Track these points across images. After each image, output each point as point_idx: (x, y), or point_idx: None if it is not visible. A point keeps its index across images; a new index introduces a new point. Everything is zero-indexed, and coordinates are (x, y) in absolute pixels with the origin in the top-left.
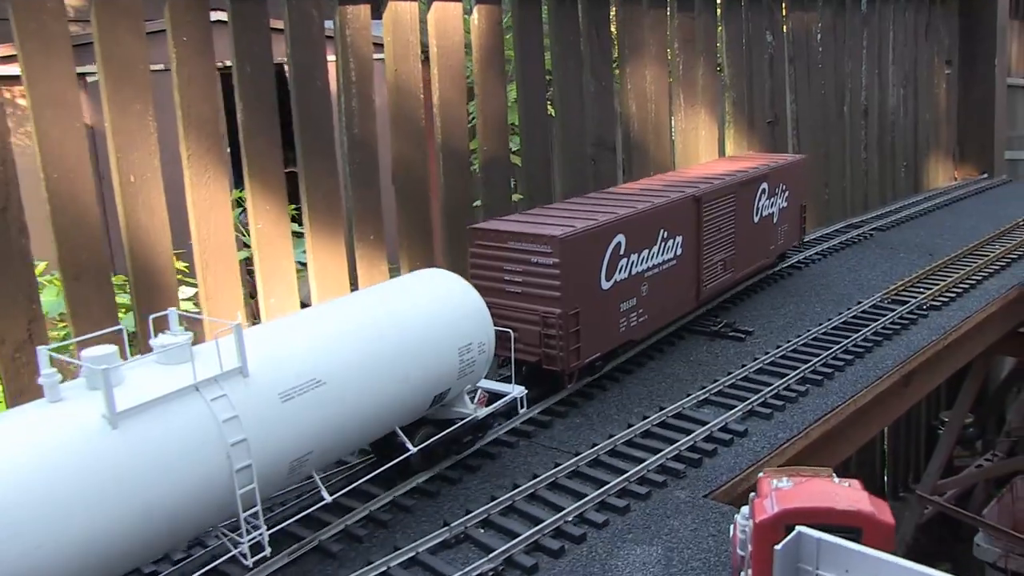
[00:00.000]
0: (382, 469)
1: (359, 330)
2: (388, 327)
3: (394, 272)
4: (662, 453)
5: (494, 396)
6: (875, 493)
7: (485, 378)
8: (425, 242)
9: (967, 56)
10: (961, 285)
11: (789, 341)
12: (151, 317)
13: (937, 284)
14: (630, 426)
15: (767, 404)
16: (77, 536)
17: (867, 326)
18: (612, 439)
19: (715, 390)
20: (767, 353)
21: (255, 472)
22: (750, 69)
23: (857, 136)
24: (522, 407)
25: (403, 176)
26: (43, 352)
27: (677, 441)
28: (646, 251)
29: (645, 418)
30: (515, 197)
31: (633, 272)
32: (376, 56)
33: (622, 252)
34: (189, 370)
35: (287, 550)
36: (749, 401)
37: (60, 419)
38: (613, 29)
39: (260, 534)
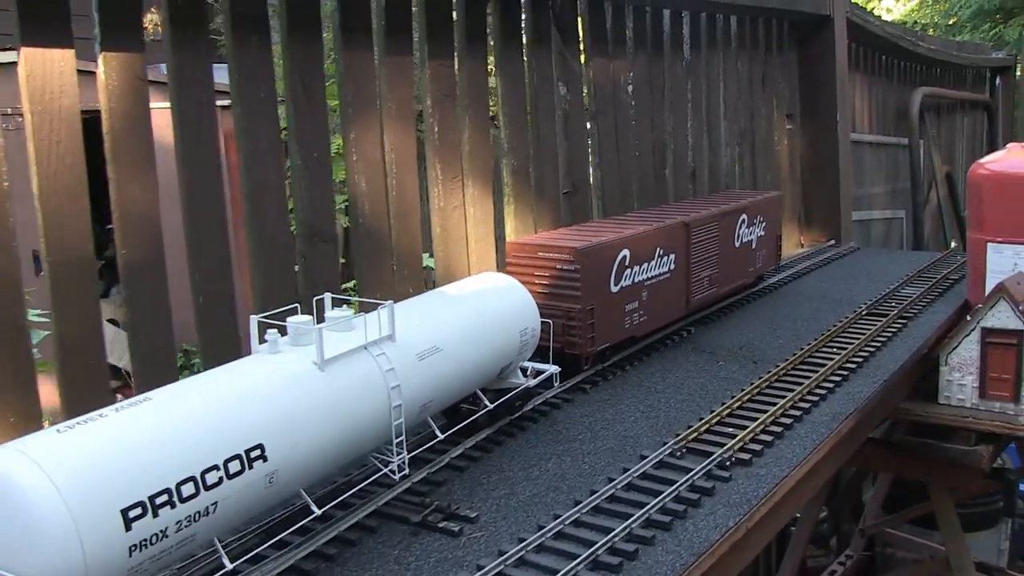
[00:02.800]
0: (464, 423)
1: (461, 310)
2: (478, 311)
3: None
4: None
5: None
6: None
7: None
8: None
9: (809, 110)
10: (783, 419)
11: (522, 540)
12: (315, 299)
13: (753, 417)
14: None
15: None
16: (308, 439)
17: (635, 512)
18: None
19: None
20: (479, 568)
21: (403, 410)
22: (537, 129)
23: None
24: (556, 382)
25: None
26: (254, 319)
27: None
28: (646, 264)
29: None
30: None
31: (635, 280)
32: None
33: (627, 263)
34: (358, 335)
35: (419, 470)
36: None
37: (286, 364)
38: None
39: (403, 457)
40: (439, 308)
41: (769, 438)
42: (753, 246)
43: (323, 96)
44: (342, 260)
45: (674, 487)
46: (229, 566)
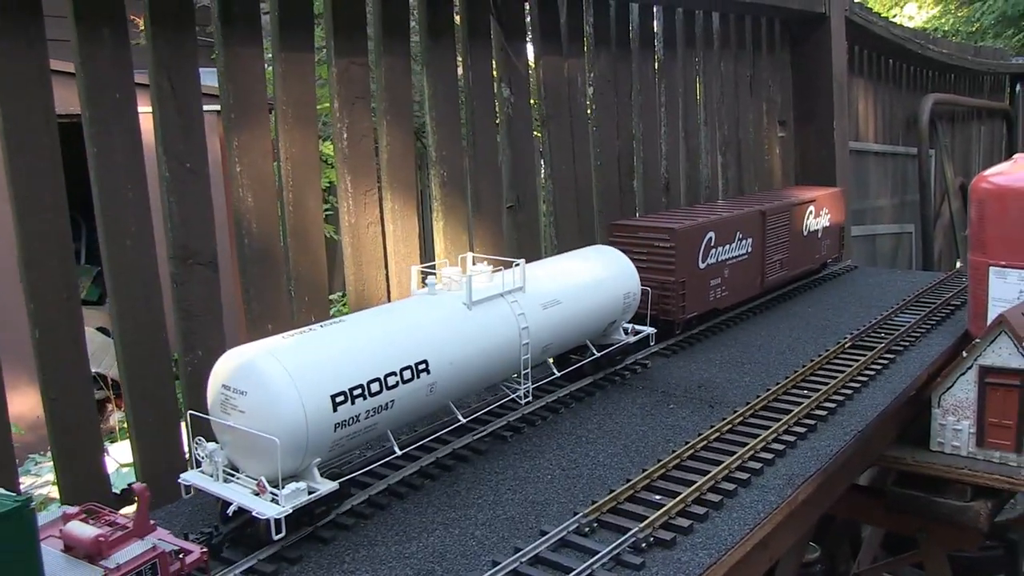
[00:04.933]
0: (571, 369)
1: (576, 272)
2: (590, 274)
3: None
4: None
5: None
6: None
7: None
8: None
9: (803, 116)
10: (726, 484)
11: None
12: (459, 256)
13: (689, 484)
14: None
15: None
16: (460, 360)
17: None
18: None
19: None
20: None
21: (530, 347)
22: (473, 136)
23: None
24: (652, 342)
25: None
26: (415, 269)
27: None
28: (727, 245)
29: None
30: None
31: (719, 260)
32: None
33: (712, 244)
34: (496, 285)
35: (540, 400)
36: None
37: (442, 303)
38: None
39: (527, 387)
40: (560, 269)
41: (703, 510)
42: (819, 236)
43: (197, 99)
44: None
45: None
46: (399, 452)
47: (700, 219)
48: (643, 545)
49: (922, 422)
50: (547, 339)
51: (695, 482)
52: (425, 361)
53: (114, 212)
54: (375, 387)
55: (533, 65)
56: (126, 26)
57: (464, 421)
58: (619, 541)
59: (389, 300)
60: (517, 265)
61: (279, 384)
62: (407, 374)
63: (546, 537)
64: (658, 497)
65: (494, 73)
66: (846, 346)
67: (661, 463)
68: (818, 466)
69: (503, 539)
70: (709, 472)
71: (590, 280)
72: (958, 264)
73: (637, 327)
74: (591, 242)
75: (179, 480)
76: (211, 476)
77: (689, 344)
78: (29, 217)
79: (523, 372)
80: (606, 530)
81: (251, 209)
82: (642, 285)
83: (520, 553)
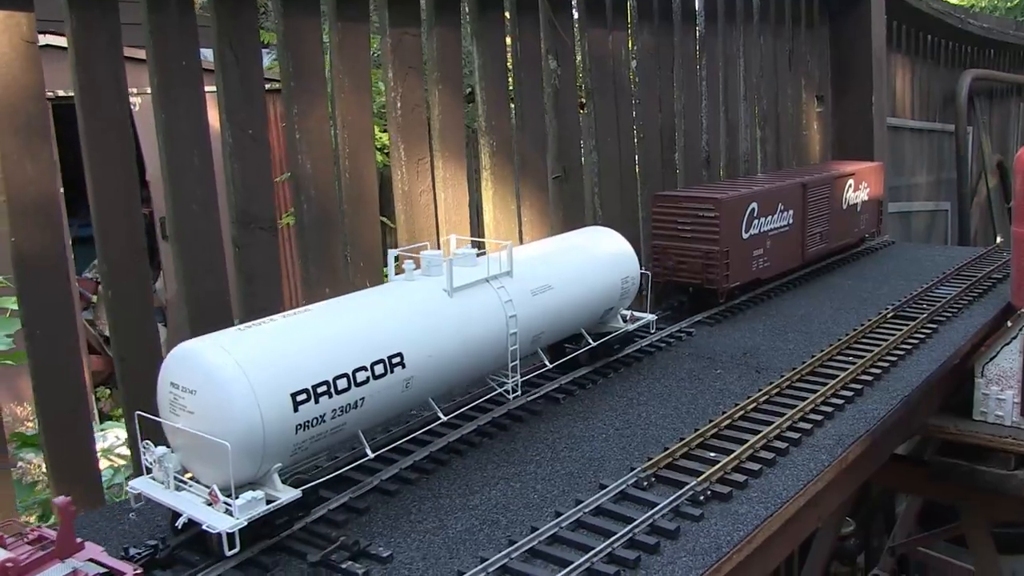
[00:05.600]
0: (564, 360)
1: (570, 256)
2: (585, 258)
3: None
4: None
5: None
6: None
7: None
8: None
9: (841, 91)
10: (778, 442)
11: None
12: (443, 238)
13: (741, 442)
14: None
15: None
16: (439, 352)
17: (586, 552)
18: None
19: None
20: None
21: (519, 337)
22: (521, 106)
23: None
24: (653, 329)
25: None
26: (392, 252)
27: None
28: (770, 216)
29: None
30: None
31: (761, 230)
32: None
33: (755, 215)
34: (481, 270)
35: (527, 393)
36: None
37: (420, 289)
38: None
39: (516, 380)
40: (552, 252)
41: (757, 467)
42: (858, 209)
43: (259, 68)
44: None
45: (629, 528)
46: (371, 455)
47: (743, 190)
48: (701, 498)
49: (964, 392)
50: (537, 328)
51: (747, 440)
52: (400, 354)
53: (180, 178)
54: (342, 383)
55: (578, 38)
56: None
57: (445, 419)
58: (678, 494)
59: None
60: (504, 248)
61: (231, 381)
62: (379, 368)
63: (606, 490)
64: (712, 454)
65: (541, 45)
66: (888, 316)
67: (713, 423)
68: (867, 428)
69: (563, 492)
70: (760, 431)
71: (585, 264)
72: (998, 239)
73: (636, 313)
74: (633, 214)
75: (127, 487)
76: (162, 483)
77: (732, 313)
78: (101, 177)
79: (511, 364)
80: (663, 484)
81: (310, 175)
82: (687, 256)
83: (582, 505)
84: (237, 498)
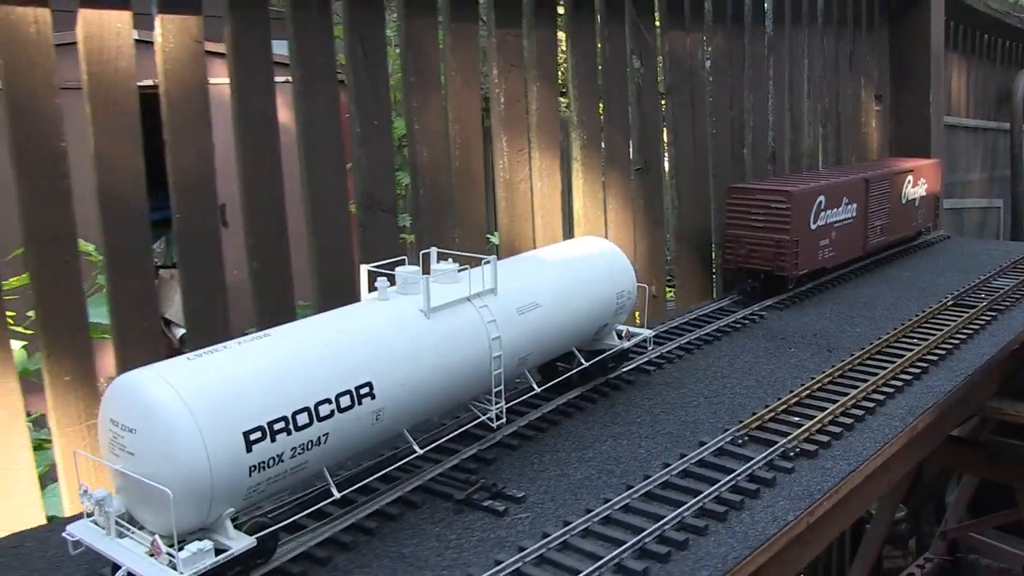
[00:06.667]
0: (556, 380)
1: (560, 269)
2: (576, 271)
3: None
4: None
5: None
6: None
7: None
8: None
9: (900, 91)
10: (854, 410)
11: (568, 523)
12: (421, 252)
13: (821, 409)
14: None
15: None
16: (414, 380)
17: (696, 495)
18: None
19: None
20: (521, 550)
21: (503, 360)
22: (609, 102)
23: None
24: (650, 346)
25: None
26: (364, 268)
27: None
28: (835, 209)
29: None
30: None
31: (827, 222)
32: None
33: (822, 207)
34: (462, 287)
35: (515, 421)
36: None
37: (394, 310)
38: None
39: (500, 407)
40: (540, 266)
41: (838, 430)
42: (916, 204)
43: (384, 64)
44: None
45: (731, 476)
46: (337, 495)
47: (812, 184)
48: (791, 454)
49: (1021, 379)
50: (524, 349)
51: (827, 408)
52: (369, 383)
53: (317, 168)
54: (303, 419)
55: (660, 39)
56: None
57: (421, 452)
58: (770, 450)
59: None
60: (487, 263)
61: (173, 419)
62: (345, 400)
63: (706, 446)
64: (796, 419)
65: (627, 46)
66: (948, 304)
67: (793, 393)
68: (935, 400)
69: (667, 448)
70: (838, 401)
71: (577, 278)
72: None
73: (632, 329)
74: (706, 205)
75: (63, 533)
76: (103, 529)
77: (800, 299)
78: (248, 158)
79: (495, 389)
80: (756, 443)
81: (426, 163)
82: (759, 245)
83: (686, 458)
84: (181, 549)
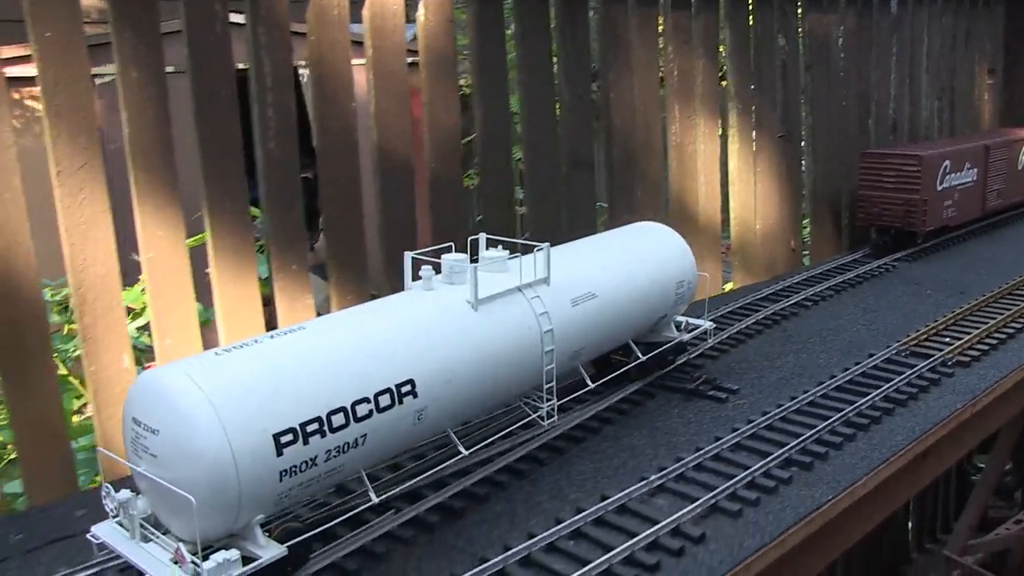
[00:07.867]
0: (612, 375)
1: (616, 259)
2: (636, 261)
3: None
4: (592, 565)
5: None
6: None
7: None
8: (357, 268)
9: (1012, 65)
10: (996, 335)
11: (780, 405)
12: (469, 238)
13: (967, 333)
14: (559, 522)
15: (736, 497)
16: (459, 380)
17: (877, 388)
18: (529, 542)
19: (676, 473)
20: (750, 422)
21: (555, 355)
22: (759, 76)
23: None
24: (710, 337)
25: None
26: (408, 256)
27: (612, 549)
28: (958, 173)
29: (580, 511)
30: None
31: (951, 184)
32: (357, 61)
33: (947, 171)
34: (512, 277)
35: (567, 418)
36: (715, 492)
37: (439, 301)
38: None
39: (552, 404)
40: (596, 255)
41: (986, 347)
42: None
43: (587, 44)
44: None
45: (905, 375)
46: (375, 500)
47: (939, 149)
48: (948, 364)
49: None
50: (578, 343)
51: (973, 331)
52: (411, 381)
53: (537, 133)
54: (338, 419)
55: (801, 20)
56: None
57: (466, 453)
58: (930, 360)
59: (697, 211)
60: (540, 250)
61: (198, 421)
62: (384, 400)
63: (875, 357)
64: (947, 339)
65: (774, 26)
66: None
67: (938, 321)
68: None
69: (840, 360)
70: (980, 328)
71: (636, 267)
72: None
73: (692, 320)
74: (837, 170)
75: (88, 535)
76: (127, 532)
77: (927, 253)
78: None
79: (546, 386)
80: (916, 357)
81: (617, 129)
82: (891, 204)
83: (859, 366)
84: (207, 559)
